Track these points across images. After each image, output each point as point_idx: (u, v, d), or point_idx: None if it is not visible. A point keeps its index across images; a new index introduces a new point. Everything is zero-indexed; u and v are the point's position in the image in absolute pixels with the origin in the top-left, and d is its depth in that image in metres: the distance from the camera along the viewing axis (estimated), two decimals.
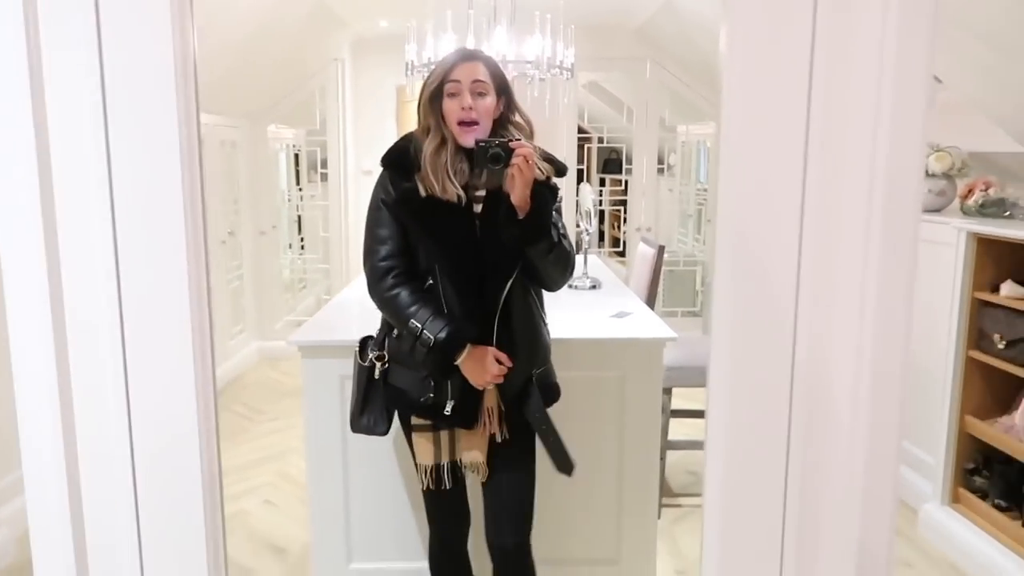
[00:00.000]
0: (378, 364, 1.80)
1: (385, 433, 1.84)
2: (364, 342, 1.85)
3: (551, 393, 1.86)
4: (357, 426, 1.84)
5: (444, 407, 1.72)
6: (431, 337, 1.65)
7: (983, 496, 2.68)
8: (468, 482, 1.87)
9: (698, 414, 3.60)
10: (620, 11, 5.06)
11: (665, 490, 3.18)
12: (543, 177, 1.67)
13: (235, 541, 2.88)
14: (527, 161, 1.59)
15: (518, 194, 1.61)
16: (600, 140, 6.00)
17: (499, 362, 1.70)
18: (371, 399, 1.82)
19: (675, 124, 5.92)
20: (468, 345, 1.68)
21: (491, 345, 1.70)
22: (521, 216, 1.62)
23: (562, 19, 3.42)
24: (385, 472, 2.28)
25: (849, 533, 1.00)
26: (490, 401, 1.76)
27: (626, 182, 5.84)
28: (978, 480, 2.71)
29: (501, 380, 1.71)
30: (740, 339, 1.01)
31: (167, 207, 0.96)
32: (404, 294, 1.69)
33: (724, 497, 1.03)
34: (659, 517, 2.89)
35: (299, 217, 6.30)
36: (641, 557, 2.33)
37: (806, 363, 0.99)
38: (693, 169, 6.03)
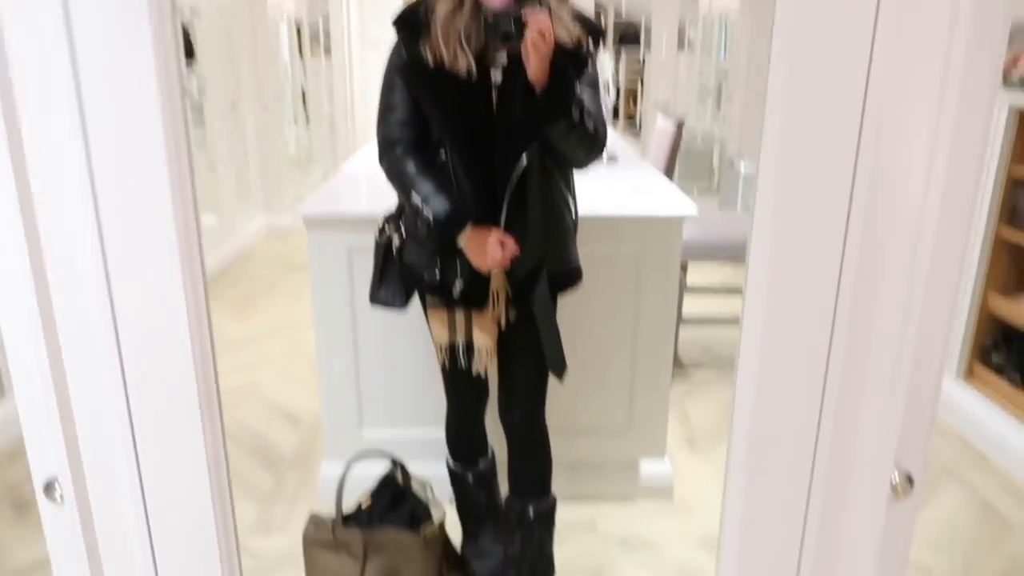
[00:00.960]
0: (395, 238, 1.72)
1: (403, 307, 1.77)
2: (386, 219, 1.78)
3: (570, 279, 1.77)
4: (376, 298, 1.79)
5: (453, 287, 1.66)
6: (431, 215, 1.56)
7: (998, 372, 2.66)
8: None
9: (712, 290, 3.57)
10: None
11: (676, 364, 3.18)
12: (571, 44, 1.50)
13: (249, 409, 2.92)
14: (543, 36, 1.41)
15: (534, 69, 1.44)
16: (617, 14, 5.68)
17: (505, 245, 1.60)
18: (388, 273, 1.77)
19: None
20: (469, 226, 1.58)
21: (499, 226, 1.60)
22: (538, 92, 1.46)
23: None
24: (395, 341, 2.26)
25: (894, 403, 0.95)
26: (497, 283, 1.68)
27: (644, 57, 5.57)
28: (995, 356, 2.69)
29: (507, 264, 1.61)
30: (788, 201, 0.91)
31: (138, 73, 0.84)
32: (411, 166, 1.60)
33: (759, 386, 0.97)
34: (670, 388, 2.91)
35: (303, 91, 6.10)
36: (652, 426, 2.34)
37: (860, 234, 0.90)
38: (714, 45, 5.74)
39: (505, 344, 1.75)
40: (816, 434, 0.98)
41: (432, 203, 1.56)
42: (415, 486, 2.04)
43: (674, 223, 2.22)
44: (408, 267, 1.72)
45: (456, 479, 2.00)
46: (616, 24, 6.30)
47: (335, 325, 2.24)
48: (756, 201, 0.95)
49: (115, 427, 0.93)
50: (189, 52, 4.42)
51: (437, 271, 1.66)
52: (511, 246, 1.60)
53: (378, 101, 1.65)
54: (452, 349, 1.75)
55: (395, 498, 2.01)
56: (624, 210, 2.26)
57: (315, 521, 1.87)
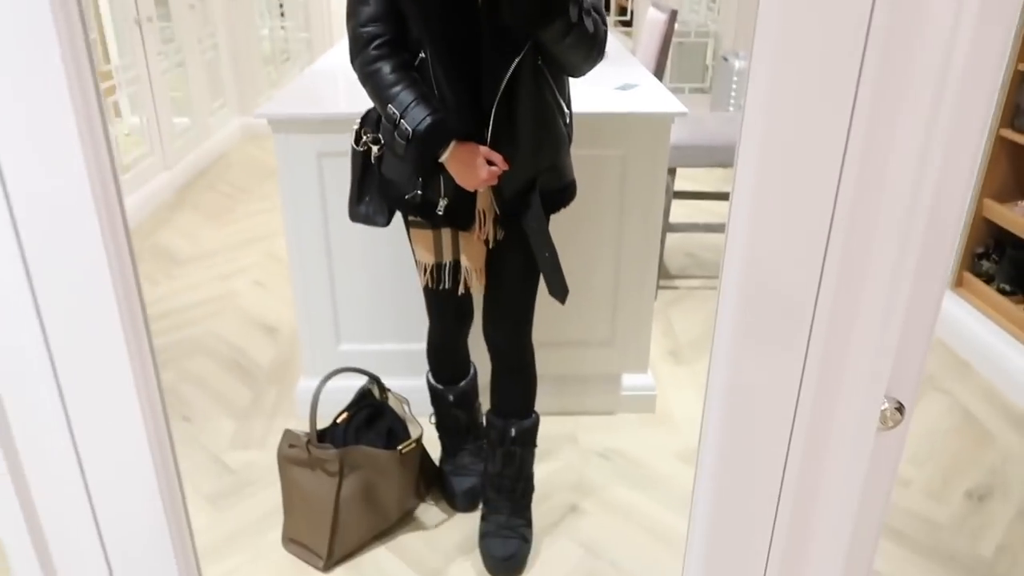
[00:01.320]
0: (374, 148, 1.58)
1: (386, 224, 1.66)
2: (363, 122, 1.62)
3: (564, 195, 1.65)
4: (355, 214, 1.67)
5: (436, 205, 1.54)
6: (409, 128, 1.40)
7: (987, 280, 2.61)
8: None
9: (701, 196, 3.46)
10: None
11: (662, 272, 3.12)
12: None
13: (225, 321, 2.86)
14: None
15: None
16: None
17: (492, 163, 1.47)
18: (367, 187, 1.63)
19: None
20: (453, 141, 1.44)
21: (485, 141, 1.45)
22: None
23: None
24: (372, 252, 2.17)
25: (891, 324, 0.87)
26: (484, 203, 1.56)
27: None
28: (985, 264, 2.63)
29: (494, 182, 1.49)
30: (782, 94, 0.80)
31: None
32: (386, 70, 1.43)
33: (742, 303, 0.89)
34: (655, 299, 2.86)
35: None
36: (635, 339, 2.30)
37: (864, 134, 0.80)
38: None
39: (492, 262, 1.66)
40: (805, 353, 0.91)
41: (411, 115, 1.40)
42: (392, 402, 2.00)
43: (662, 122, 2.10)
44: (387, 181, 1.60)
45: (437, 397, 1.95)
46: None
47: (307, 235, 2.14)
48: (747, 92, 0.85)
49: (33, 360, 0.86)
50: None
51: (418, 189, 1.53)
52: (499, 163, 1.47)
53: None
54: (437, 270, 1.65)
55: (372, 414, 1.98)
56: (608, 108, 2.12)
57: (290, 438, 1.84)
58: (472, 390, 1.97)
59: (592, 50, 1.43)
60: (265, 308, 2.93)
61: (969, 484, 2.06)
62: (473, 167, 1.46)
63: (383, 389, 1.98)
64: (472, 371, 1.96)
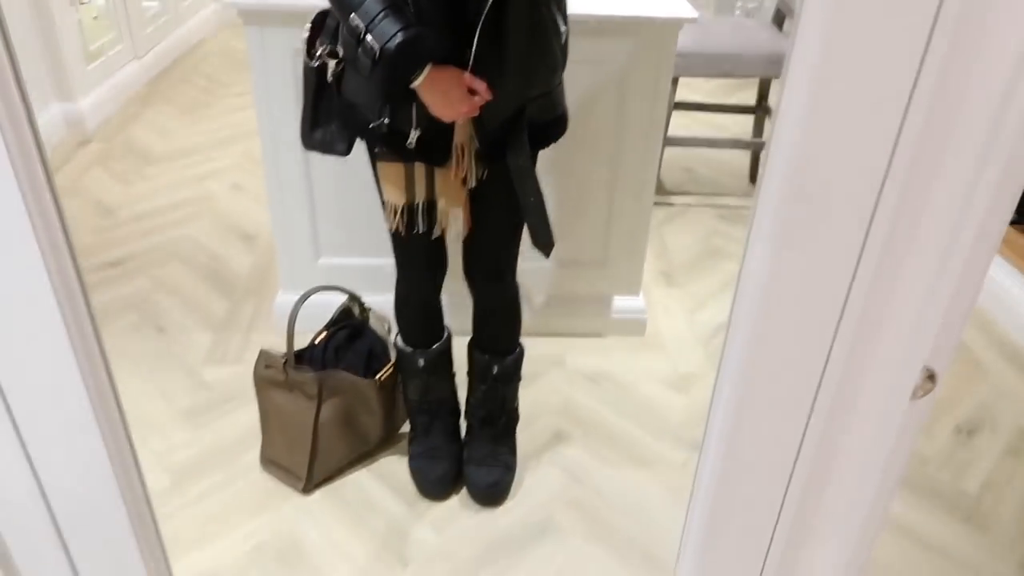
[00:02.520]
0: (331, 64, 1.34)
1: (346, 153, 1.45)
2: (315, 27, 1.37)
3: (555, 128, 1.46)
4: (309, 141, 1.45)
5: (407, 137, 1.32)
6: (376, 45, 1.16)
7: None
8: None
9: (702, 107, 3.31)
10: None
11: (657, 187, 3.00)
12: None
13: (202, 225, 2.73)
14: None
15: None
16: None
17: (474, 91, 1.26)
18: (323, 109, 1.39)
19: None
20: (429, 64, 1.21)
21: (467, 64, 1.24)
22: None
23: None
24: (353, 162, 2.03)
25: (937, 294, 0.79)
26: (462, 136, 1.37)
27: None
28: None
29: (476, 114, 1.29)
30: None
31: None
32: None
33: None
34: None
35: None
36: (629, 262, 2.21)
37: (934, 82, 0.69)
38: None
39: (473, 202, 1.48)
40: (838, 319, 0.82)
41: (379, 29, 1.16)
42: (373, 321, 1.93)
43: (669, 28, 1.93)
44: (348, 104, 1.37)
45: (405, 363, 1.73)
46: None
47: (283, 140, 1.99)
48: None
49: None
50: None
51: (385, 117, 1.31)
52: (483, 92, 1.26)
53: None
54: (408, 212, 1.44)
55: (352, 333, 1.90)
56: (609, 10, 1.93)
57: (266, 358, 1.77)
58: (446, 355, 1.76)
59: None
60: (243, 213, 2.81)
61: (959, 419, 2.04)
62: (452, 96, 1.26)
63: (363, 308, 1.90)
64: (446, 334, 1.76)
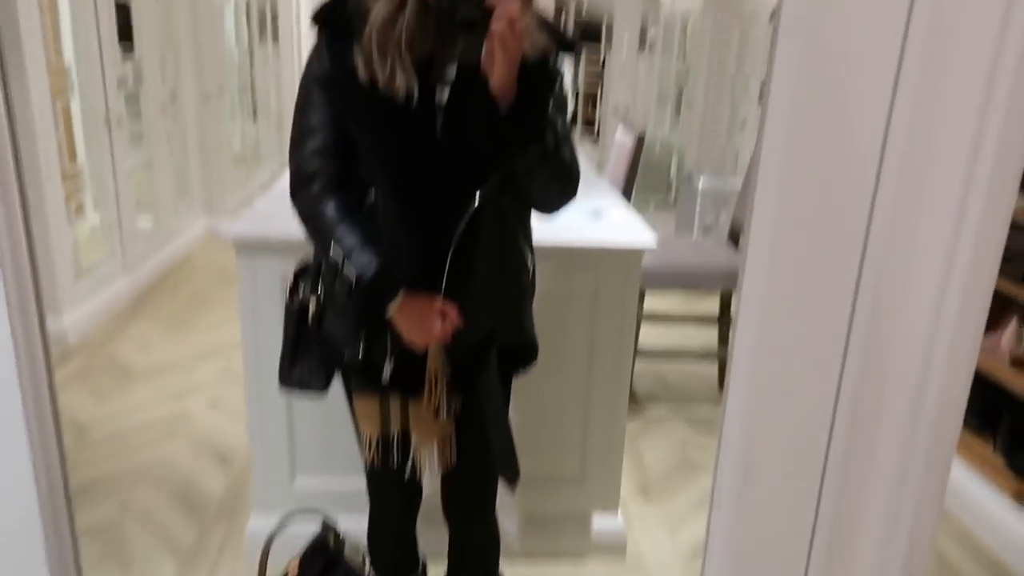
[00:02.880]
0: (312, 302, 1.40)
1: (323, 389, 1.47)
2: (299, 274, 1.46)
3: (525, 355, 1.47)
4: (287, 379, 1.47)
5: (381, 369, 1.35)
6: (352, 274, 1.26)
7: None
8: None
9: (667, 318, 3.46)
10: None
11: (630, 399, 3.07)
12: (538, 54, 1.21)
13: (177, 446, 2.71)
14: (513, 27, 1.12)
15: (499, 76, 1.14)
16: (579, 12, 5.49)
17: (444, 316, 1.30)
18: (303, 346, 1.43)
19: None
20: (401, 292, 1.28)
21: (438, 292, 1.28)
22: (503, 106, 1.16)
23: None
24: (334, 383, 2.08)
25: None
26: (435, 362, 1.37)
27: (604, 58, 5.42)
28: None
29: (447, 339, 1.32)
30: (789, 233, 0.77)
31: None
32: (331, 209, 1.29)
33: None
34: None
35: (251, 81, 5.81)
36: (606, 476, 2.22)
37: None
38: (675, 47, 5.62)
39: (453, 438, 1.47)
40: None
41: (356, 259, 1.26)
42: (349, 552, 1.88)
43: (634, 255, 2.08)
44: (326, 339, 1.41)
45: None
46: (576, 23, 6.12)
47: (266, 363, 2.04)
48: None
49: None
50: (126, 36, 4.12)
51: (360, 348, 1.35)
52: (453, 317, 1.30)
53: (292, 121, 1.34)
54: (383, 443, 1.44)
55: (327, 566, 1.85)
56: (578, 239, 2.08)
57: None
58: None
59: (568, 183, 1.31)
60: (218, 433, 2.80)
61: None
62: (424, 322, 1.29)
63: (338, 537, 1.86)
64: (421, 565, 1.71)
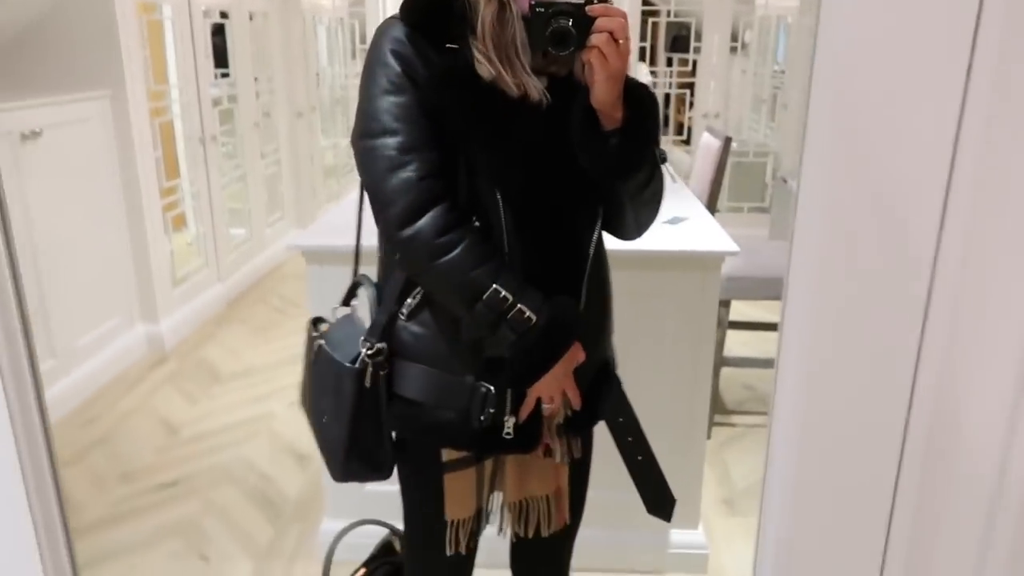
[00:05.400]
0: (371, 364, 1.12)
1: (391, 474, 1.21)
2: (317, 321, 1.28)
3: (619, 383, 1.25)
4: (347, 471, 1.17)
5: (503, 427, 1.11)
6: (531, 315, 1.01)
7: None
8: None
9: (759, 326, 3.29)
10: None
11: (717, 407, 2.93)
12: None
13: (259, 445, 2.77)
14: (614, 40, 0.97)
15: (602, 93, 0.99)
16: (669, 13, 5.36)
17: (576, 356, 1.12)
18: (366, 426, 1.14)
19: None
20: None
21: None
22: (608, 128, 1.02)
23: None
24: None
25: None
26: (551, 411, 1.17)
27: (694, 62, 5.28)
28: None
29: (574, 386, 1.13)
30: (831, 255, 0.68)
31: None
32: (473, 243, 1.03)
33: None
34: (709, 437, 2.66)
35: (344, 98, 5.98)
36: (685, 494, 2.08)
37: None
38: (770, 48, 5.41)
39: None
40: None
41: (529, 298, 1.02)
42: None
43: (712, 261, 1.97)
44: (413, 408, 1.14)
45: None
46: (668, 25, 5.99)
47: None
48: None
49: None
50: (221, 58, 4.31)
51: (491, 407, 1.09)
52: (581, 359, 1.11)
53: (363, 128, 1.07)
54: (478, 519, 1.23)
55: (391, 572, 1.82)
56: (657, 244, 1.98)
57: None
58: None
59: (660, 204, 1.17)
60: (298, 433, 2.83)
61: None
62: (569, 369, 1.10)
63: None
64: None
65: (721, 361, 2.82)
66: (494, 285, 1.01)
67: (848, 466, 0.74)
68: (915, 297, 0.66)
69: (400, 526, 1.81)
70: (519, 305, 1.01)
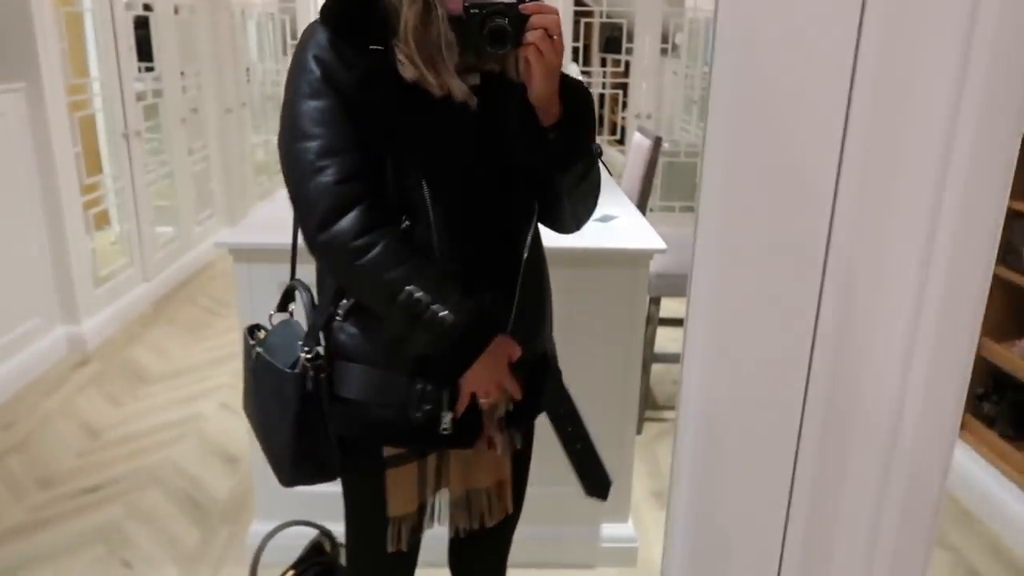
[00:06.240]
0: (311, 368, 1.11)
1: (336, 477, 1.20)
2: (253, 329, 1.26)
3: (558, 374, 1.29)
4: (295, 475, 1.17)
5: (440, 422, 1.11)
6: (448, 315, 1.01)
7: (990, 424, 2.48)
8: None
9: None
10: None
11: (649, 402, 2.99)
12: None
13: (187, 448, 2.70)
14: (549, 36, 0.99)
15: (539, 88, 1.02)
16: (601, 15, 5.43)
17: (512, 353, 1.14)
18: (311, 429, 1.12)
19: None
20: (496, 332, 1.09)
21: (507, 326, 1.11)
22: (547, 123, 1.05)
23: None
24: None
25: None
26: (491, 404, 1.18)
27: (627, 63, 5.37)
28: (986, 406, 2.51)
29: (512, 381, 1.15)
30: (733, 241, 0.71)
31: None
32: (390, 245, 1.02)
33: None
34: (640, 432, 2.71)
35: (275, 93, 5.87)
36: (615, 486, 2.13)
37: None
38: (701, 50, 5.54)
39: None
40: None
41: (447, 297, 1.02)
42: (343, 558, 1.84)
43: (641, 259, 2.02)
44: (353, 407, 1.14)
45: None
46: (602, 26, 6.07)
47: None
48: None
49: None
50: (146, 51, 4.18)
51: (427, 403, 1.10)
52: (516, 355, 1.13)
53: (285, 133, 1.06)
54: (421, 514, 1.23)
55: (321, 572, 1.81)
56: (586, 241, 2.00)
57: None
58: None
59: (597, 197, 1.19)
60: (228, 435, 2.78)
61: None
62: (502, 362, 1.11)
63: (334, 544, 1.81)
64: None
65: (652, 357, 2.88)
66: (408, 287, 1.01)
67: (752, 432, 0.77)
68: (812, 267, 0.70)
69: (331, 526, 1.82)
70: (433, 307, 1.01)
